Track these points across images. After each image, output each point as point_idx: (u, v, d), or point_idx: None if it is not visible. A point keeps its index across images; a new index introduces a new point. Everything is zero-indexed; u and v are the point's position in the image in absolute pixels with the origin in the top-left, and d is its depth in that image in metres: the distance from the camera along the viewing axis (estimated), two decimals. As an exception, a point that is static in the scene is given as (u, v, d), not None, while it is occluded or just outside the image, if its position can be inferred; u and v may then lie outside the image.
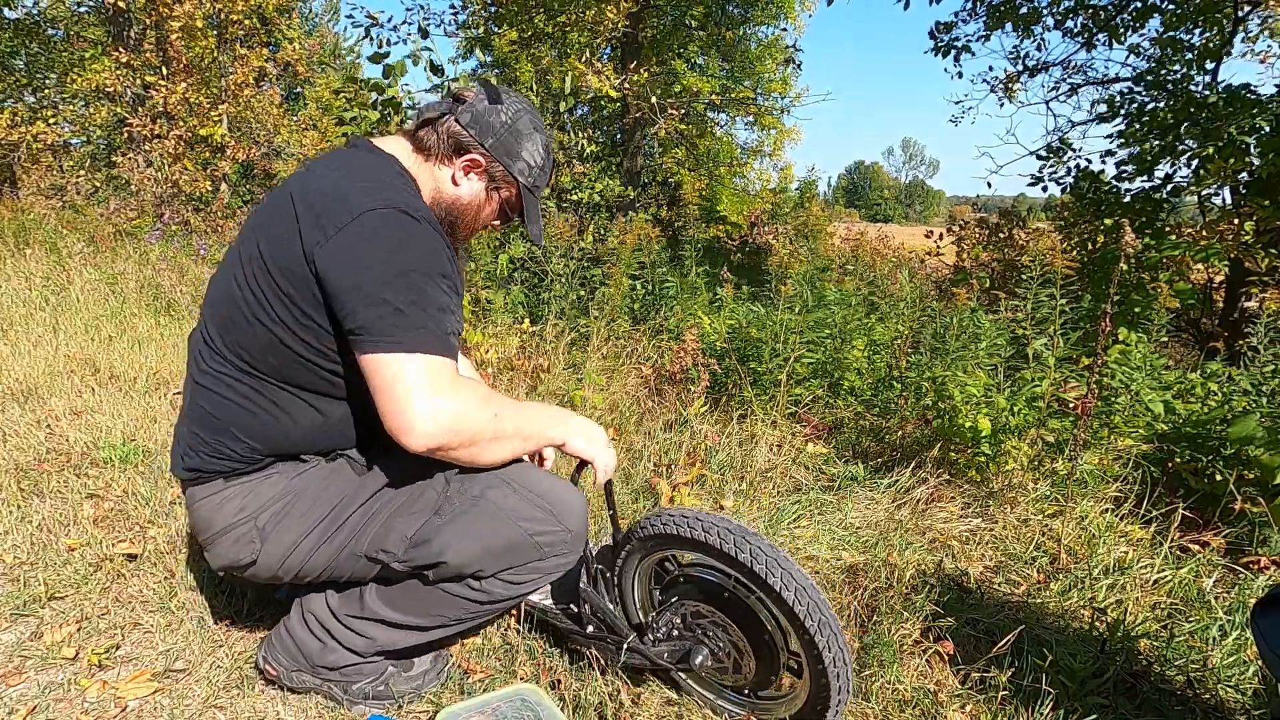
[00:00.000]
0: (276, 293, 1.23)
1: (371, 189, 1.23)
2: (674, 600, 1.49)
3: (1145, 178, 5.11)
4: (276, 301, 1.23)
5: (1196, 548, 2.20)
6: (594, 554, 1.56)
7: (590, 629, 1.53)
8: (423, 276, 1.18)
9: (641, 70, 7.54)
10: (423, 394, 1.14)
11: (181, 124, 7.95)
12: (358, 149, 1.36)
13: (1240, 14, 5.25)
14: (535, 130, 1.42)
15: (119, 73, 8.42)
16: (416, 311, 1.16)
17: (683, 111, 9.49)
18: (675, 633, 1.49)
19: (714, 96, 10.72)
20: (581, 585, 1.52)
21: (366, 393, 1.23)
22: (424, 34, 5.07)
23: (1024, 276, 2.91)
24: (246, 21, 7.92)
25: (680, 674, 1.53)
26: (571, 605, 1.59)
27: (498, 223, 1.50)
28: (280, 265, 1.22)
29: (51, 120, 8.74)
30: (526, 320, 4.01)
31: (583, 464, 1.45)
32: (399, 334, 1.15)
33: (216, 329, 1.31)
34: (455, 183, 1.40)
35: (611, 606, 1.54)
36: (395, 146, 1.39)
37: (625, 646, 1.48)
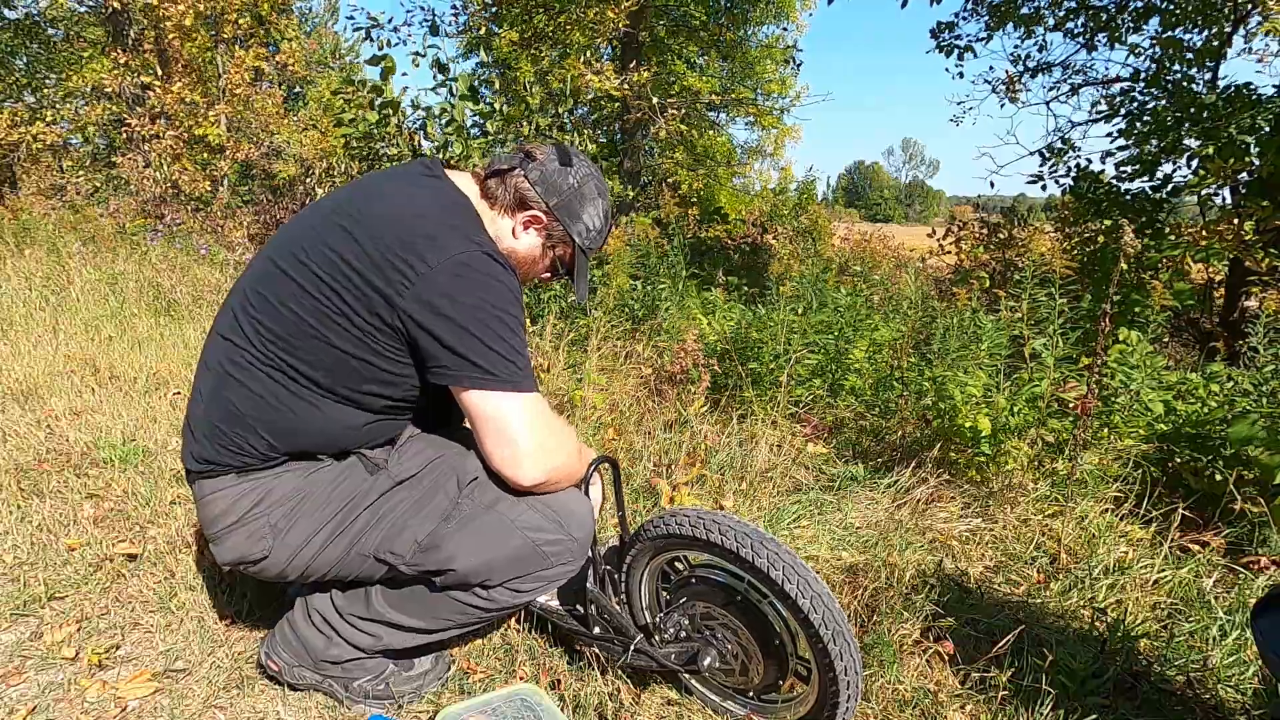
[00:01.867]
0: (360, 320, 1.25)
1: (460, 229, 1.29)
2: (683, 601, 1.49)
3: (1146, 178, 5.10)
4: (356, 328, 1.25)
5: (1196, 548, 2.20)
6: (601, 554, 1.56)
7: (597, 630, 1.53)
8: (511, 318, 1.27)
9: (642, 70, 7.54)
10: (530, 434, 1.26)
11: (179, 124, 7.95)
12: (439, 180, 1.39)
13: (1239, 14, 5.25)
14: (599, 196, 1.46)
15: (116, 73, 8.42)
16: (511, 351, 1.25)
17: (684, 112, 9.49)
18: (683, 634, 1.49)
19: (713, 96, 10.72)
20: (588, 586, 1.52)
21: (401, 405, 1.37)
22: (434, 30, 5.05)
23: (1019, 278, 2.92)
24: (241, 20, 7.91)
25: (686, 675, 1.53)
26: (578, 606, 1.58)
27: (547, 276, 1.53)
28: (367, 294, 1.24)
29: (51, 120, 8.75)
30: (526, 320, 4.01)
31: (592, 467, 1.46)
32: (501, 372, 1.23)
33: (265, 330, 1.29)
34: (515, 235, 1.44)
35: (618, 608, 1.54)
36: (468, 187, 1.43)
37: (632, 648, 1.47)
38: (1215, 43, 5.37)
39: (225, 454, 1.33)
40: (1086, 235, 5.50)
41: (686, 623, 1.49)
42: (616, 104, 9.31)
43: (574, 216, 1.43)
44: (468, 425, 1.62)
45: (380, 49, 4.92)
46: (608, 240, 1.55)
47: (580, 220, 1.44)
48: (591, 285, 4.61)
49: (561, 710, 1.44)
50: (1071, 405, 2.49)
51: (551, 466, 1.30)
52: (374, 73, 4.17)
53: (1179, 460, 2.56)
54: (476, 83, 4.71)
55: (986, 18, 6.56)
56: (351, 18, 5.57)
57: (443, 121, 4.24)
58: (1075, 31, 6.41)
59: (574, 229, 1.44)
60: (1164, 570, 2.05)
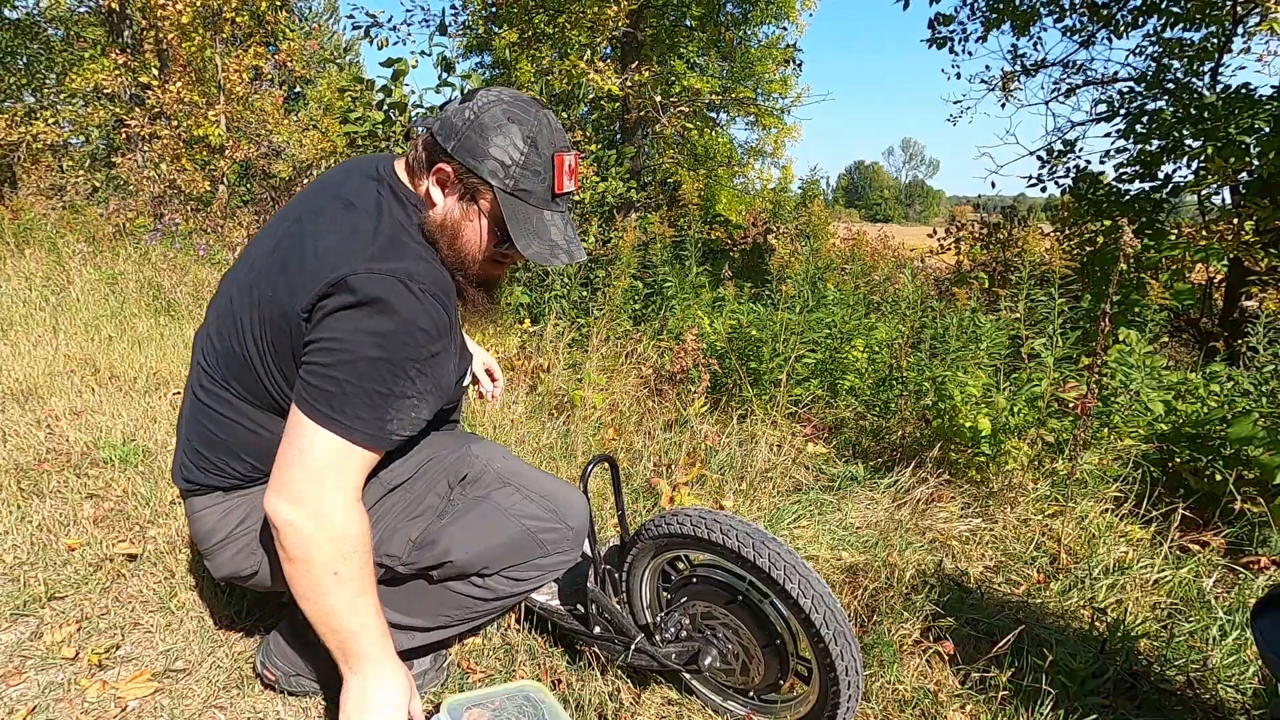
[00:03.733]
0: (266, 337, 1.19)
1: (378, 246, 1.14)
2: (683, 600, 1.49)
3: (1146, 177, 5.11)
4: (267, 348, 1.19)
5: (1196, 548, 2.20)
6: (602, 554, 1.56)
7: (597, 630, 1.53)
8: (390, 365, 1.11)
9: (643, 69, 7.54)
10: (316, 478, 1.10)
11: (178, 123, 7.95)
12: (381, 182, 1.24)
13: (1239, 14, 5.25)
14: (510, 120, 1.15)
15: (116, 73, 8.42)
16: (363, 397, 1.10)
17: (689, 111, 9.51)
18: (684, 634, 1.49)
19: (714, 96, 10.72)
20: (589, 586, 1.52)
21: None
22: (443, 29, 5.10)
23: (1016, 278, 2.92)
24: (239, 19, 7.90)
25: (687, 675, 1.53)
26: (578, 606, 1.59)
27: (505, 249, 1.23)
28: (271, 313, 1.17)
29: (51, 120, 8.75)
30: (527, 320, 4.02)
31: (591, 465, 1.46)
32: (336, 410, 1.10)
33: (216, 353, 1.27)
34: (431, 201, 1.20)
35: (619, 607, 1.54)
36: (403, 173, 1.26)
37: (633, 647, 1.48)
38: (1215, 42, 5.37)
39: (211, 476, 1.32)
40: (1086, 236, 5.51)
41: (687, 622, 1.49)
42: (616, 103, 9.31)
43: (478, 153, 1.14)
44: (461, 426, 1.62)
45: (380, 48, 4.92)
46: (563, 175, 1.19)
47: (488, 156, 1.14)
48: (591, 282, 4.60)
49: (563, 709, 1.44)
50: (1071, 405, 2.49)
51: (304, 522, 1.10)
52: (381, 71, 4.18)
53: (1179, 460, 2.56)
54: (475, 84, 4.72)
55: (984, 15, 6.57)
56: (351, 16, 5.59)
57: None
58: (1073, 28, 6.42)
59: (483, 168, 1.14)
60: (1164, 570, 2.05)
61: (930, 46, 6.88)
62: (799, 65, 11.64)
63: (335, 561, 1.11)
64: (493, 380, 1.82)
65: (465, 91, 1.22)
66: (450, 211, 1.19)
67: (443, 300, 1.17)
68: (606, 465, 1.55)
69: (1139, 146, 5.09)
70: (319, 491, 1.10)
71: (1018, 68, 6.79)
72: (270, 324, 1.18)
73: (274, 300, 1.17)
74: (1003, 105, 6.87)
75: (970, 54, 6.89)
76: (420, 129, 1.24)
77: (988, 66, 7.90)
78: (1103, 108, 5.62)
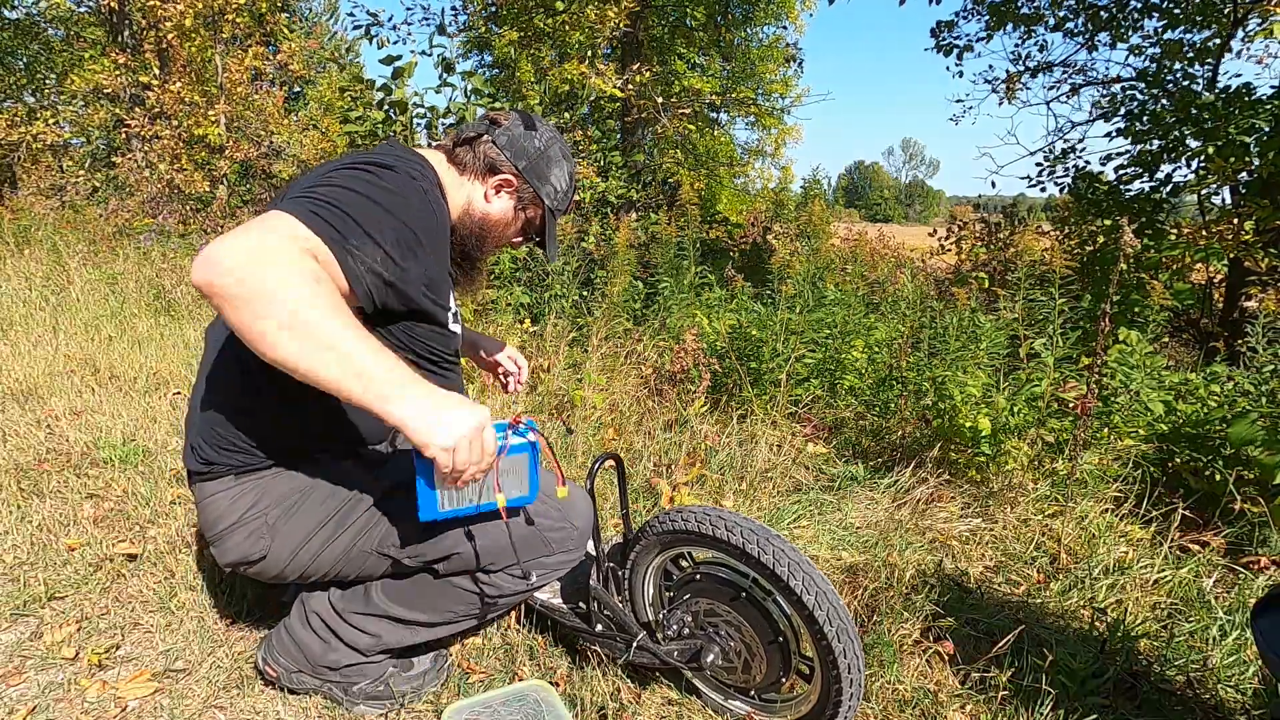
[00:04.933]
0: None
1: (399, 151, 1.29)
2: (686, 598, 1.49)
3: (1146, 177, 5.10)
4: None
5: (1196, 548, 2.20)
6: (605, 552, 1.56)
7: (599, 628, 1.53)
8: (374, 205, 1.12)
9: (644, 70, 7.54)
10: (263, 225, 1.00)
11: (178, 123, 7.95)
12: (397, 146, 1.41)
13: (1238, 15, 5.25)
14: (564, 159, 1.49)
15: (116, 73, 8.43)
16: (337, 213, 1.08)
17: (690, 111, 9.51)
18: (686, 631, 1.50)
19: (714, 97, 10.71)
20: (592, 583, 1.52)
21: None
22: (442, 30, 5.14)
23: (1015, 278, 2.92)
24: (240, 19, 7.90)
25: (689, 673, 1.53)
26: (581, 604, 1.59)
27: (519, 240, 1.56)
28: None
29: (51, 120, 8.75)
30: (527, 320, 4.02)
31: (597, 464, 1.47)
32: (301, 207, 1.06)
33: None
34: (487, 199, 1.46)
35: (621, 605, 1.54)
36: (433, 158, 1.44)
37: (635, 645, 1.48)
38: (1215, 42, 5.37)
39: (223, 454, 1.33)
40: (1086, 235, 5.51)
41: (689, 620, 1.49)
42: (617, 104, 9.31)
43: (542, 178, 1.47)
44: None
45: (380, 47, 4.93)
46: (573, 204, 1.57)
47: (548, 182, 1.48)
48: (592, 282, 4.61)
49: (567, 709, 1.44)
50: (1071, 405, 2.49)
51: (233, 264, 0.94)
52: (381, 69, 4.18)
53: (1179, 460, 2.56)
54: (478, 83, 4.71)
55: (986, 18, 6.57)
56: (352, 14, 5.59)
57: (448, 122, 4.25)
58: (1076, 31, 6.42)
59: (543, 190, 1.47)
60: (1164, 570, 2.05)
61: (938, 53, 6.88)
62: (800, 64, 11.64)
63: (299, 285, 0.96)
64: (516, 368, 1.92)
65: (525, 117, 1.49)
66: (505, 212, 1.48)
67: (440, 214, 1.31)
68: (612, 463, 1.55)
69: (1139, 146, 5.08)
70: (266, 232, 1.00)
71: (1021, 69, 6.78)
72: None
73: None
74: (1001, 104, 6.87)
75: (975, 52, 6.87)
76: (469, 131, 1.47)
77: (991, 66, 7.87)
78: (1104, 106, 5.61)
